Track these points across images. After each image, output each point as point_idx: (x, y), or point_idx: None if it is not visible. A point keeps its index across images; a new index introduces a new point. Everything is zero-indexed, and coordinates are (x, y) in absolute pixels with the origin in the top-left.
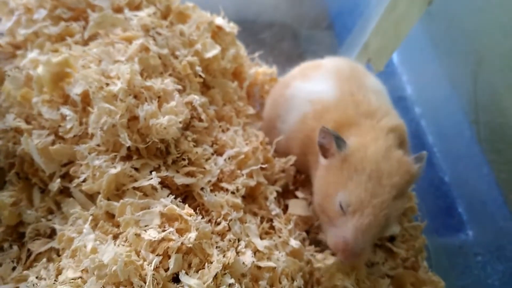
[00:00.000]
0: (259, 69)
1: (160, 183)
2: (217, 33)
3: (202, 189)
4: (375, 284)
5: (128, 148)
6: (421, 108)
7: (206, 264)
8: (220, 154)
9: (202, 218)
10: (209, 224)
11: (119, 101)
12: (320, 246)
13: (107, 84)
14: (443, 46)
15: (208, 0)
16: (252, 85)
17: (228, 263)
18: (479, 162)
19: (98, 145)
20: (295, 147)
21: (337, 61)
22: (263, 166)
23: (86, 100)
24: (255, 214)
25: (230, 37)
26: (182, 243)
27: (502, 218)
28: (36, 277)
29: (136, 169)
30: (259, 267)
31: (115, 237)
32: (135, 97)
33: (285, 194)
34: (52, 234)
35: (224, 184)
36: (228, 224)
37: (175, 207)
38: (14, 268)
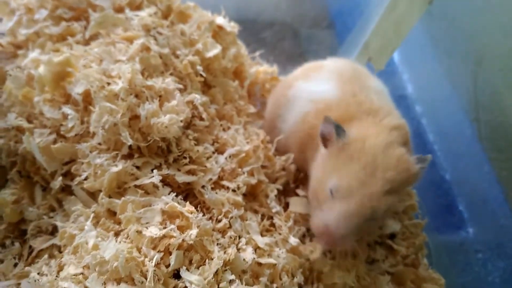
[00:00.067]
0: (260, 68)
1: (161, 181)
2: (218, 32)
3: (203, 187)
4: (375, 281)
5: (130, 146)
6: (422, 106)
7: (207, 260)
8: (221, 153)
9: (203, 215)
10: (210, 221)
11: (120, 100)
12: None
13: (108, 84)
14: (444, 46)
15: None
16: (253, 84)
17: (229, 260)
18: (479, 160)
19: (100, 144)
20: (293, 145)
21: (340, 62)
22: (264, 165)
23: (87, 99)
24: (255, 212)
25: (231, 36)
26: (183, 240)
27: (502, 215)
28: (38, 273)
29: (138, 167)
30: (259, 264)
31: (117, 234)
32: (136, 96)
33: (286, 192)
34: (53, 231)
35: (225, 182)
36: (229, 221)
37: (176, 204)
38: (16, 265)
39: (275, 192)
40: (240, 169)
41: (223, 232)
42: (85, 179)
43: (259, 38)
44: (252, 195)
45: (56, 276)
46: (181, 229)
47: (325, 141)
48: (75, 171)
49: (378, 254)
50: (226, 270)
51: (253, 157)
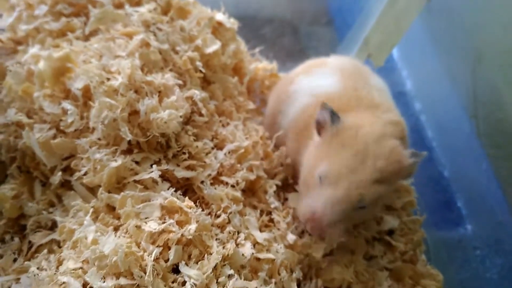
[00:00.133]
0: (259, 65)
1: (160, 176)
2: (217, 28)
3: (202, 182)
4: (373, 276)
5: (129, 142)
6: (421, 103)
7: (206, 255)
8: (220, 148)
9: (202, 210)
10: (209, 216)
11: (120, 96)
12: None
13: (108, 79)
14: (443, 42)
15: None
16: (252, 80)
17: (228, 255)
18: (478, 156)
19: (99, 139)
20: (291, 136)
21: (343, 59)
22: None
23: (87, 94)
24: (254, 207)
25: (230, 32)
26: (182, 235)
27: (501, 212)
28: (37, 268)
29: (137, 163)
30: (258, 259)
31: (116, 229)
32: (136, 91)
33: (284, 188)
34: (53, 226)
35: (224, 178)
36: (228, 216)
37: (175, 199)
38: (15, 260)
39: (274, 188)
40: (239, 165)
41: (222, 227)
42: (85, 174)
43: (258, 34)
44: (251, 190)
45: (56, 271)
46: (180, 224)
47: (320, 128)
48: (74, 166)
49: (377, 250)
50: (225, 265)
51: (252, 153)
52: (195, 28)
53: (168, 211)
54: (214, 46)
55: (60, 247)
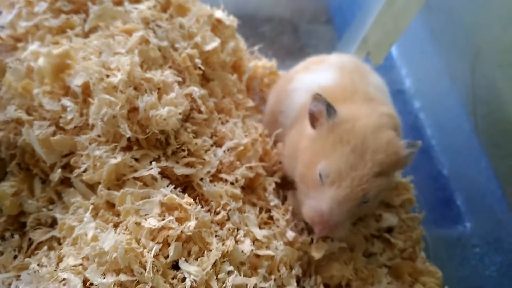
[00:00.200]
0: (259, 63)
1: (160, 173)
2: (216, 26)
3: (201, 179)
4: (373, 273)
5: (128, 139)
6: (420, 101)
7: (206, 252)
8: (220, 146)
9: (202, 207)
10: (209, 213)
11: (119, 93)
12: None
13: (108, 76)
14: (442, 40)
15: None
16: (251, 78)
17: (227, 251)
18: (477, 155)
19: (99, 136)
20: (292, 137)
21: (342, 57)
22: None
23: (86, 91)
24: (254, 205)
25: (229, 30)
26: (181, 232)
27: (500, 210)
28: (38, 265)
29: (136, 160)
30: (257, 256)
31: (116, 226)
32: (135, 88)
33: (284, 185)
34: (53, 223)
35: (223, 175)
36: (227, 213)
37: (174, 196)
38: (15, 257)
39: (273, 185)
40: (238, 162)
41: (221, 224)
42: (84, 171)
43: (258, 32)
44: (250, 188)
45: (56, 267)
46: (180, 220)
47: (314, 120)
48: (74, 163)
49: (376, 247)
50: (224, 261)
51: (251, 150)
52: (195, 25)
53: (167, 208)
54: (213, 44)
55: (60, 244)
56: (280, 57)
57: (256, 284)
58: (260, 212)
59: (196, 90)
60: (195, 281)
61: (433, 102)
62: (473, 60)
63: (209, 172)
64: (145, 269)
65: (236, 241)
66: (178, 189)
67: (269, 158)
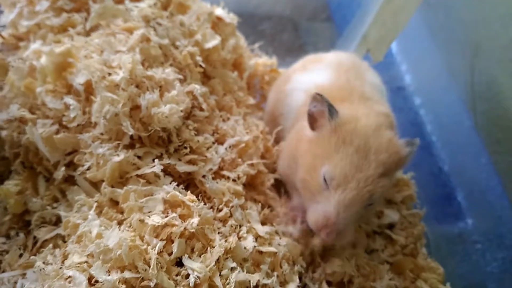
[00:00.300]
0: (259, 60)
1: (162, 170)
2: (217, 23)
3: (204, 176)
4: (374, 270)
5: (131, 136)
6: (420, 97)
7: (209, 248)
8: (221, 143)
9: (204, 204)
10: (211, 210)
11: (121, 90)
12: None
13: (109, 74)
14: (441, 36)
15: None
16: (252, 76)
17: (230, 248)
18: (478, 151)
19: (102, 134)
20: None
21: (340, 54)
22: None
23: (89, 89)
24: (255, 201)
25: (230, 27)
26: (185, 228)
27: (501, 206)
28: (43, 263)
29: (139, 157)
30: (260, 252)
31: (120, 223)
32: (137, 86)
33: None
34: (57, 221)
35: (225, 172)
36: (229, 210)
37: (177, 193)
38: (21, 255)
39: (272, 181)
40: (240, 159)
41: (224, 221)
42: (88, 169)
43: (258, 30)
44: (251, 185)
45: (61, 265)
46: (183, 217)
47: (313, 122)
48: (77, 161)
49: (377, 244)
50: (227, 258)
51: (252, 148)
52: (195, 23)
53: (170, 205)
54: (213, 41)
55: (65, 241)
56: (280, 54)
57: (259, 281)
58: (262, 209)
59: (197, 88)
60: (198, 277)
61: (433, 99)
62: (472, 57)
63: (211, 169)
64: (149, 266)
65: (239, 238)
66: (181, 186)
67: (270, 155)
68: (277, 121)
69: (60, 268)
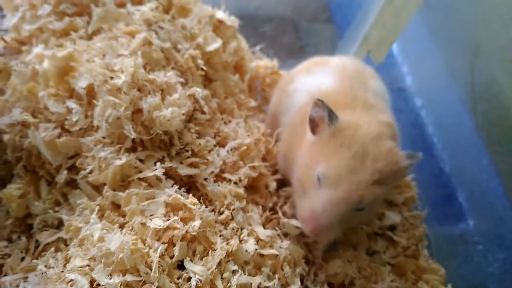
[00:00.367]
0: (260, 63)
1: (164, 174)
2: (218, 26)
3: (205, 179)
4: (376, 271)
5: (133, 140)
6: (421, 98)
7: (210, 251)
8: (223, 146)
9: (206, 207)
10: (213, 213)
11: (123, 94)
12: None
13: (111, 78)
14: (442, 37)
15: None
16: (253, 78)
17: (232, 251)
18: (479, 152)
19: (104, 137)
20: (286, 133)
21: (345, 59)
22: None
23: (91, 93)
24: (257, 204)
25: (231, 30)
26: (186, 231)
27: (502, 207)
28: (45, 266)
29: (141, 161)
30: (262, 255)
31: (121, 226)
32: (139, 90)
33: (287, 184)
34: (59, 225)
35: (226, 175)
36: (231, 213)
37: (179, 196)
38: (23, 259)
39: (274, 183)
40: (241, 162)
41: (225, 224)
42: (90, 172)
43: (259, 32)
44: (253, 187)
45: (63, 269)
46: (185, 220)
47: (314, 126)
48: (79, 165)
49: (379, 245)
50: (229, 261)
51: (254, 150)
52: (196, 26)
53: (172, 208)
54: (215, 44)
55: (66, 245)
56: (281, 56)
57: (260, 283)
58: (264, 211)
59: (199, 91)
60: (200, 280)
61: (434, 100)
62: (473, 57)
63: (212, 172)
64: (151, 269)
65: (240, 241)
66: (183, 189)
67: (272, 158)
68: (278, 120)
69: (62, 271)
